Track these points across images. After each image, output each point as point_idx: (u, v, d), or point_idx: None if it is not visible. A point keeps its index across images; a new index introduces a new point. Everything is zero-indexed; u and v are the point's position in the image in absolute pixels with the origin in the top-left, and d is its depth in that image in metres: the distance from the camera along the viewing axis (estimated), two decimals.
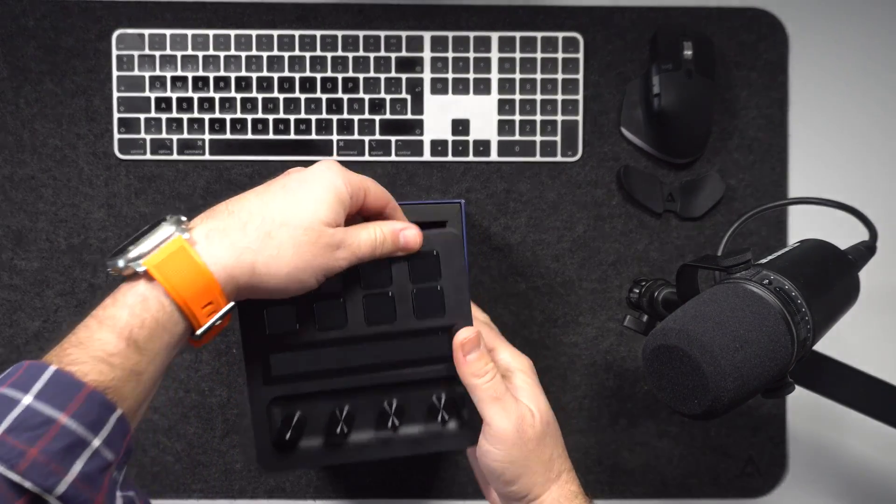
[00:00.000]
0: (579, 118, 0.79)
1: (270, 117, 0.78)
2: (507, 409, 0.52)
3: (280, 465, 0.52)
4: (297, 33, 0.78)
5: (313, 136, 0.78)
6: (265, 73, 0.78)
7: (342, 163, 0.78)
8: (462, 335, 0.53)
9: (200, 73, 0.78)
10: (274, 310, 0.51)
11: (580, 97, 0.79)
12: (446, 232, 0.54)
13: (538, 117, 0.79)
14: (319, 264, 0.47)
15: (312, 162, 0.53)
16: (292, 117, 0.78)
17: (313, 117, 0.78)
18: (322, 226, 0.47)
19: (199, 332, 0.45)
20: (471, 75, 0.79)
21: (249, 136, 0.78)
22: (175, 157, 0.78)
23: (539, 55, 0.79)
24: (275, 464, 0.52)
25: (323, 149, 0.78)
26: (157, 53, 0.78)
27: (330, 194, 0.49)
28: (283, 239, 0.46)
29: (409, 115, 0.78)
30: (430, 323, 0.53)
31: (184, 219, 0.47)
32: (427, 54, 0.79)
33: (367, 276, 0.52)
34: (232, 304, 0.46)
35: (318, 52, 0.78)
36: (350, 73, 0.78)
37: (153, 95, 0.78)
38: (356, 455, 0.53)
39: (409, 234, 0.52)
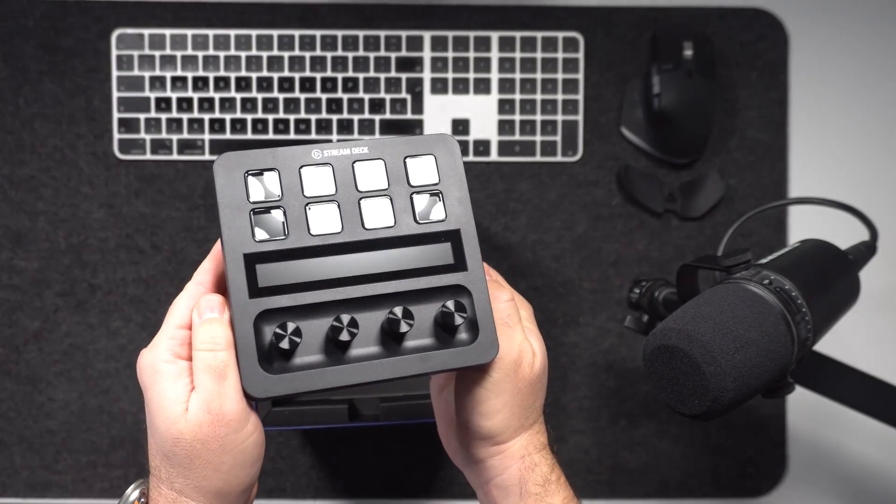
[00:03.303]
0: (579, 118, 0.79)
1: (270, 117, 0.78)
2: (513, 339, 0.49)
3: (272, 389, 0.44)
4: (297, 33, 0.78)
5: (313, 136, 0.78)
6: (265, 73, 0.78)
7: None
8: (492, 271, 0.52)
9: (200, 73, 0.78)
10: (261, 217, 0.47)
11: (580, 97, 0.79)
12: (440, 134, 0.51)
13: (538, 117, 0.79)
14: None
15: None
16: (292, 117, 0.78)
17: (313, 117, 0.78)
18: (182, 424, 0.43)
19: None
20: (471, 75, 0.79)
21: (249, 136, 0.78)
22: (175, 157, 0.78)
23: (539, 55, 0.79)
24: (265, 387, 0.44)
25: None
26: (157, 53, 0.78)
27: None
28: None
29: (409, 115, 0.78)
30: (430, 228, 0.49)
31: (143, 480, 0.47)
32: (427, 54, 0.79)
33: (363, 178, 0.49)
34: None
35: (318, 52, 0.78)
36: (350, 73, 0.78)
37: (153, 95, 0.78)
38: (361, 374, 0.46)
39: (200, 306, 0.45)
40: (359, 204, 0.49)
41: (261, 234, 0.47)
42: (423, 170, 0.50)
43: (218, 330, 0.44)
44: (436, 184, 0.50)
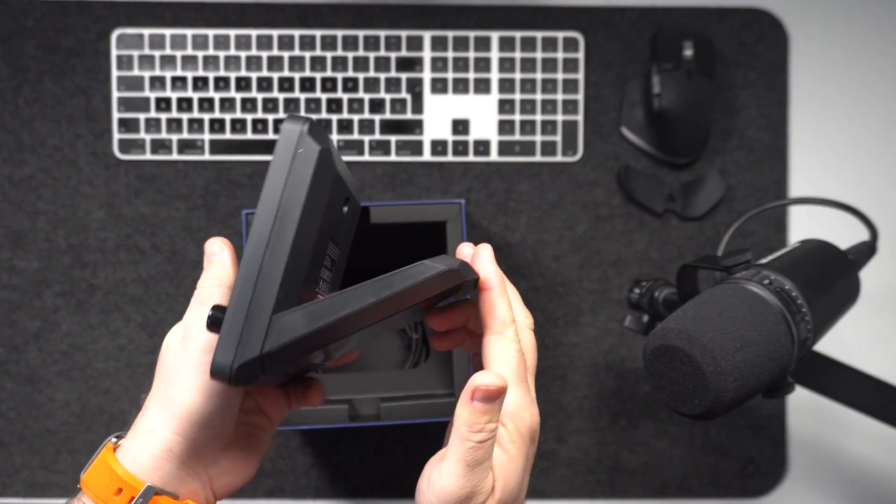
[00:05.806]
0: (579, 118, 0.79)
1: (270, 117, 0.78)
2: (469, 477, 0.41)
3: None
4: (297, 33, 0.78)
5: None
6: (265, 73, 0.78)
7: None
8: (486, 378, 0.40)
9: (200, 73, 0.78)
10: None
11: (580, 97, 0.79)
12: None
13: (538, 117, 0.79)
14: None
15: None
16: None
17: (313, 117, 0.78)
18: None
19: None
20: (471, 75, 0.79)
21: (249, 136, 0.78)
22: (175, 156, 0.78)
23: (539, 55, 0.79)
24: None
25: None
26: (157, 53, 0.78)
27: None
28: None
29: (409, 115, 0.78)
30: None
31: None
32: (427, 54, 0.79)
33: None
34: (147, 484, 0.46)
35: (318, 52, 0.78)
36: (350, 73, 0.78)
37: (153, 95, 0.78)
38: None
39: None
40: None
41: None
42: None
43: (210, 272, 0.49)
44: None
